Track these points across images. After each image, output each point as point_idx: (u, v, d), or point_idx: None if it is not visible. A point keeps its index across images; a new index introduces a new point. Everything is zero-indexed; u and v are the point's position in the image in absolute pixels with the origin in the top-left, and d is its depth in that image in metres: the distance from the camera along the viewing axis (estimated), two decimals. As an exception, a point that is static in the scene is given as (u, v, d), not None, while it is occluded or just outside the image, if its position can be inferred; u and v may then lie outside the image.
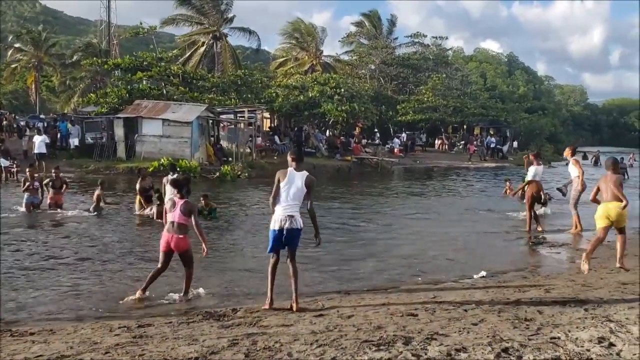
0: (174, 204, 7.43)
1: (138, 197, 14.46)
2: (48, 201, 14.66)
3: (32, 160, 23.49)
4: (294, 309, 6.56)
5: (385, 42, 54.70)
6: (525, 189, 13.56)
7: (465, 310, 6.19)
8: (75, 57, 47.59)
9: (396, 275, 9.19)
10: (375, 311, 6.33)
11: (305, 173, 6.66)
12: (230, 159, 27.21)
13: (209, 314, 6.34)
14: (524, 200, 13.93)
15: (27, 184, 14.38)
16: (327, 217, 15.50)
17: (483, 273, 8.98)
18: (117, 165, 24.63)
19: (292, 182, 6.57)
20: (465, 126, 53.90)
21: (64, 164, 23.97)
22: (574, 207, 12.88)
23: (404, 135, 47.10)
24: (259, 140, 32.06)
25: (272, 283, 6.73)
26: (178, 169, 16.29)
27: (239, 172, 24.88)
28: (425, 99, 48.73)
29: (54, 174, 14.94)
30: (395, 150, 41.56)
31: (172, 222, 7.33)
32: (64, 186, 15.09)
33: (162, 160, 23.70)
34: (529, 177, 13.30)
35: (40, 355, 4.68)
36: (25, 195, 14.35)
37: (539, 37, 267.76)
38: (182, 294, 7.43)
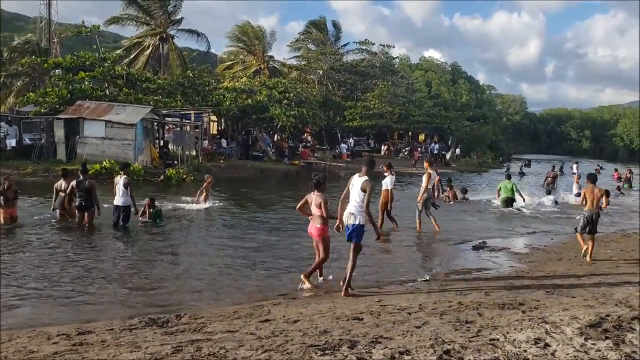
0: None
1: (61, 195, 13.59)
2: (2, 216, 12.71)
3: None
4: (342, 293, 7.80)
5: (333, 49, 55.13)
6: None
7: (409, 314, 6.31)
8: (12, 55, 45.62)
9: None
10: (321, 315, 6.37)
11: (364, 178, 7.90)
12: (175, 162, 26.75)
13: (152, 320, 6.21)
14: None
15: None
16: (269, 218, 15.49)
17: (426, 277, 9.17)
18: (56, 167, 23.72)
19: (355, 185, 7.89)
20: (410, 133, 54.96)
21: (-1, 166, 23.06)
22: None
23: (351, 140, 47.54)
24: (206, 143, 31.65)
25: (349, 272, 7.87)
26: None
27: (185, 176, 24.49)
28: (372, 105, 49.38)
29: (5, 184, 12.82)
30: (343, 155, 41.91)
31: None
32: (16, 196, 13.09)
33: (105, 162, 23.08)
34: (383, 187, 14.39)
35: (-28, 366, 4.48)
36: None
37: (479, 48, 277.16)
38: None
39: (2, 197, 12.67)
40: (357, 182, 7.92)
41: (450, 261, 11.09)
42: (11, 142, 26.79)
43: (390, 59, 61.18)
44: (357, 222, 7.79)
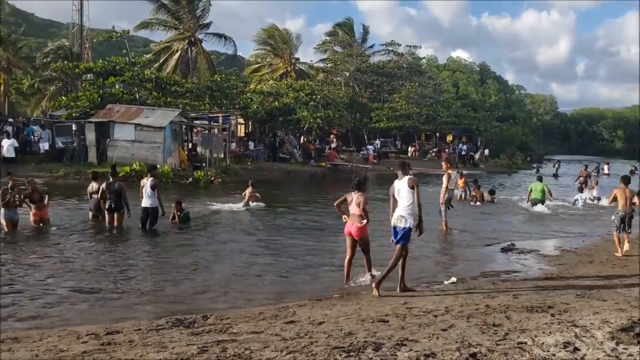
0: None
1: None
2: (32, 218, 12.83)
3: (3, 165, 23.14)
4: (398, 290, 8.07)
5: (360, 50, 55.06)
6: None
7: (435, 316, 6.25)
8: (45, 60, 46.77)
9: (367, 282, 9.22)
10: (347, 317, 6.35)
11: (406, 177, 8.04)
12: (203, 164, 27.03)
13: (179, 321, 6.28)
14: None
15: (7, 197, 12.23)
16: (297, 221, 15.53)
17: (453, 279, 9.07)
18: (87, 170, 24.19)
19: (401, 188, 8.02)
20: (437, 134, 54.53)
21: (32, 169, 23.66)
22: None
23: (378, 142, 47.41)
24: (233, 145, 31.92)
25: (401, 270, 8.08)
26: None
27: (212, 178, 24.73)
28: (399, 106, 49.15)
29: (29, 187, 13.01)
30: (369, 156, 41.80)
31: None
32: (45, 197, 13.17)
33: (134, 165, 23.44)
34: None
35: (4, 364, 4.59)
36: (3, 210, 12.32)
37: (508, 47, 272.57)
38: None
39: (28, 200, 12.77)
40: (401, 185, 8.03)
41: (478, 263, 10.95)
42: (44, 146, 27.47)
43: (417, 60, 60.81)
44: (406, 225, 7.89)
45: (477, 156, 49.25)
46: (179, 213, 14.16)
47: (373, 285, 8.05)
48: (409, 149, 49.80)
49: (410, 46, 58.53)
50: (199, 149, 29.80)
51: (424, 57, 71.55)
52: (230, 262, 10.45)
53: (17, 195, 12.33)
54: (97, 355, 4.79)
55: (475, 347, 4.75)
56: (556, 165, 48.06)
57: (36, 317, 7.02)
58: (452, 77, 74.03)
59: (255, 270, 9.88)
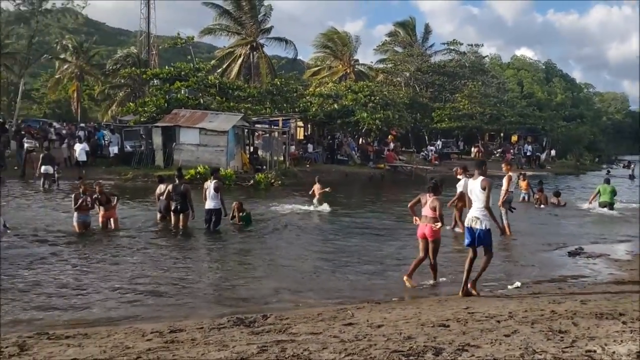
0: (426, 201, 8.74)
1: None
2: (100, 219, 13.25)
3: (74, 168, 24.35)
4: (473, 292, 8.01)
5: (421, 50, 54.44)
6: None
7: (498, 322, 6.08)
8: (115, 67, 48.79)
9: (428, 284, 9.11)
10: (406, 321, 6.27)
11: (480, 178, 7.90)
12: (264, 167, 27.45)
13: (240, 320, 6.39)
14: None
15: (80, 200, 12.62)
16: (355, 223, 15.49)
17: (517, 283, 8.81)
18: (155, 172, 25.07)
19: (474, 189, 7.95)
20: (502, 134, 53.13)
21: (103, 172, 24.73)
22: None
23: (439, 142, 46.68)
24: (293, 148, 32.26)
25: (466, 273, 7.99)
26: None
27: (273, 180, 25.07)
28: (461, 106, 48.25)
29: (96, 190, 13.27)
30: (430, 157, 41.20)
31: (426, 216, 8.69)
32: (114, 199, 13.54)
33: (199, 168, 24.06)
34: (458, 190, 13.96)
35: (75, 359, 4.80)
36: (75, 214, 12.74)
37: (575, 44, 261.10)
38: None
39: (97, 202, 13.05)
40: (475, 186, 7.96)
41: (544, 267, 10.59)
42: (114, 149, 28.70)
43: (480, 59, 59.46)
44: (483, 227, 7.83)
45: (543, 157, 47.65)
46: (240, 214, 14.43)
47: (468, 286, 8.06)
48: (472, 149, 48.76)
49: (472, 45, 57.41)
50: (260, 152, 30.27)
51: (487, 56, 69.86)
52: (289, 263, 10.57)
53: (88, 199, 12.75)
54: (161, 353, 4.94)
55: (540, 354, 4.59)
56: (633, 166, 45.76)
57: (103, 314, 7.33)
58: (517, 76, 71.95)
59: (313, 272, 9.94)
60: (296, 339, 5.40)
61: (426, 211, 8.68)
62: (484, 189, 7.78)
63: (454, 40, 56.10)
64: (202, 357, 4.80)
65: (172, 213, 13.67)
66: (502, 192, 13.99)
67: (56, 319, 7.05)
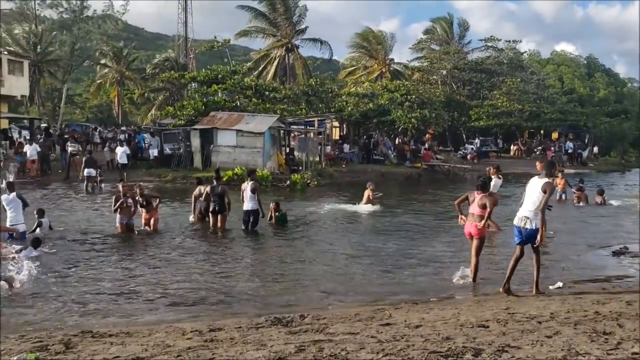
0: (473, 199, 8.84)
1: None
2: (142, 221, 13.42)
3: (115, 171, 24.97)
4: (533, 292, 8.00)
5: (457, 47, 53.75)
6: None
7: (539, 323, 5.96)
8: (153, 71, 49.84)
9: (466, 284, 9.00)
10: (444, 322, 6.21)
11: (545, 180, 7.78)
12: (300, 167, 27.56)
13: (277, 320, 6.44)
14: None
15: (120, 201, 12.84)
16: (392, 223, 15.41)
17: (559, 284, 8.62)
18: (193, 174, 25.50)
19: (534, 187, 7.82)
20: (542, 131, 52.02)
21: (143, 174, 25.27)
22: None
23: (477, 141, 46.02)
24: (328, 149, 32.29)
25: (510, 271, 7.99)
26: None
27: (309, 181, 25.15)
28: (500, 103, 47.44)
29: (137, 192, 13.47)
30: (468, 156, 40.63)
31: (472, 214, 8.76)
32: (155, 201, 13.65)
33: (236, 169, 24.33)
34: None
35: (118, 357, 4.92)
36: (118, 216, 12.99)
37: (617, 38, 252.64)
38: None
39: (138, 204, 13.24)
40: (536, 184, 7.83)
41: (586, 267, 10.33)
42: (154, 152, 29.31)
43: (519, 55, 58.25)
44: (532, 226, 7.77)
45: (585, 154, 46.41)
46: (276, 214, 14.51)
47: (534, 288, 8.09)
48: (511, 147, 47.88)
49: (510, 41, 56.32)
50: (296, 153, 30.42)
51: (526, 52, 68.42)
52: (327, 263, 10.59)
53: (129, 200, 12.89)
54: (201, 352, 5.02)
55: (584, 356, 4.49)
56: None
57: (144, 314, 7.49)
58: (557, 72, 70.24)
59: (350, 271, 9.94)
60: (333, 339, 5.41)
61: (474, 209, 8.72)
62: (544, 191, 7.66)
63: (491, 36, 55.22)
64: (241, 356, 4.85)
65: (210, 214, 13.87)
66: None
67: (99, 318, 7.24)
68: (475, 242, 8.73)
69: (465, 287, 8.78)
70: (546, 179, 7.79)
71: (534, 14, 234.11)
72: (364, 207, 17.65)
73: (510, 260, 8.14)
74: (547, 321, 6.02)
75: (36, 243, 10.76)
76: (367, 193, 18.05)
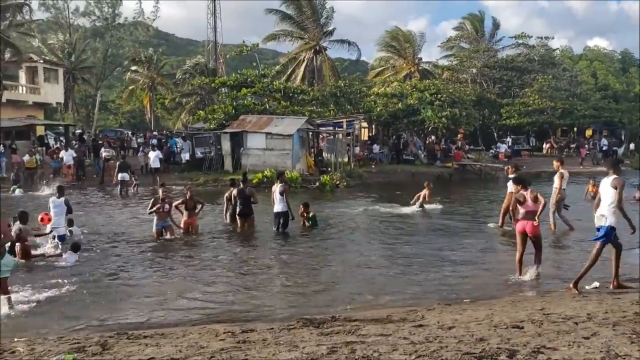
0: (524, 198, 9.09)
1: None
2: (182, 224, 13.49)
3: (149, 175, 25.39)
4: (612, 286, 8.22)
5: (488, 45, 53.04)
6: None
7: (576, 323, 5.84)
8: (184, 77, 50.50)
9: (499, 285, 8.89)
10: (478, 323, 6.13)
11: (613, 177, 7.96)
12: (329, 169, 27.58)
13: (309, 321, 6.45)
14: None
15: (157, 205, 12.86)
16: (425, 224, 15.28)
17: (596, 284, 8.42)
18: (224, 177, 25.75)
19: (605, 186, 8.06)
20: (575, 129, 50.96)
21: (175, 178, 25.65)
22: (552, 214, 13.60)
23: (509, 139, 45.31)
24: (357, 149, 32.21)
25: (615, 268, 8.23)
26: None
27: (338, 182, 25.13)
28: (531, 101, 46.61)
29: (187, 194, 13.79)
30: (500, 155, 40.05)
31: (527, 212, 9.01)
32: (199, 207, 13.83)
33: (266, 172, 24.47)
34: (508, 189, 13.85)
35: (153, 358, 5.00)
36: (155, 220, 13.06)
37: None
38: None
39: (184, 206, 13.43)
40: (606, 183, 8.06)
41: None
42: (185, 156, 29.76)
43: (550, 52, 57.14)
44: (607, 224, 7.93)
45: (621, 151, 45.21)
46: (306, 214, 14.51)
47: (570, 285, 8.20)
48: (544, 145, 47.02)
49: (541, 38, 55.31)
50: (324, 154, 30.44)
51: (558, 48, 67.13)
52: (358, 265, 10.55)
53: (166, 206, 12.92)
54: (234, 353, 5.07)
55: (623, 358, 4.39)
56: None
57: (179, 315, 7.60)
58: (590, 68, 68.74)
59: (382, 273, 9.89)
60: (366, 340, 5.40)
61: (531, 206, 9.00)
62: (614, 187, 7.86)
63: (522, 33, 54.25)
64: (273, 357, 4.88)
65: (237, 216, 13.97)
66: (555, 190, 13.63)
67: (135, 320, 7.36)
68: (533, 242, 9.06)
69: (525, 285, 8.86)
70: (614, 176, 7.97)
71: (565, 9, 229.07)
72: (420, 207, 17.45)
73: (597, 258, 8.21)
74: (584, 322, 5.90)
75: (76, 247, 11.07)
76: (424, 192, 17.76)
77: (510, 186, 13.64)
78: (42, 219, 12.14)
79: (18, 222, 11.00)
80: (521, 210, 9.10)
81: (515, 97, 49.32)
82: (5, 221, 9.33)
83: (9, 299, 7.84)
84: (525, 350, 4.77)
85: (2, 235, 7.41)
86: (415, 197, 17.83)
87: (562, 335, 5.34)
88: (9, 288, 8.02)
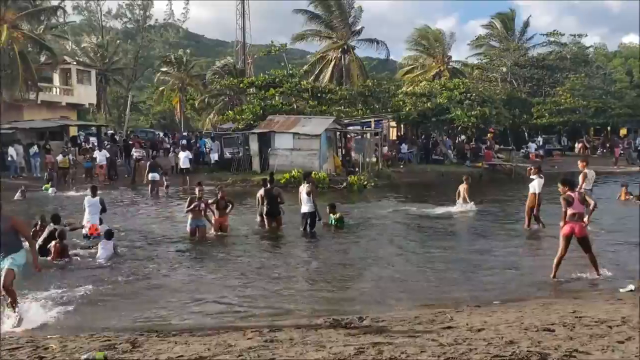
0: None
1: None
2: (213, 223, 13.46)
3: (179, 175, 25.71)
4: None
5: (518, 44, 52.26)
6: None
7: (610, 327, 5.71)
8: (213, 77, 50.96)
9: (530, 287, 8.75)
10: (508, 325, 6.04)
11: None
12: (357, 169, 27.51)
13: (336, 321, 6.44)
14: None
15: (194, 204, 12.88)
16: (453, 225, 15.13)
17: (630, 286, 8.22)
18: (252, 177, 25.92)
19: None
20: (609, 128, 49.85)
21: (204, 178, 25.87)
22: None
23: (540, 139, 44.58)
24: (386, 149, 32.06)
25: None
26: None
27: (366, 182, 25.03)
28: (563, 100, 45.75)
29: (219, 193, 13.91)
30: (531, 155, 39.42)
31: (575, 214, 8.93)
32: (230, 206, 13.88)
33: (293, 172, 24.52)
34: (530, 190, 13.80)
35: (181, 356, 5.06)
36: (189, 218, 13.06)
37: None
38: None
39: (214, 206, 13.44)
40: None
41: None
42: (214, 156, 30.04)
43: (583, 49, 56.03)
44: None
45: (657, 150, 44.02)
46: (332, 215, 14.47)
47: None
48: (576, 145, 46.10)
49: (574, 35, 54.24)
50: (352, 154, 30.37)
51: (591, 46, 65.74)
52: (385, 265, 10.50)
53: (202, 205, 13.01)
54: (261, 352, 5.09)
55: (659, 364, 4.26)
56: None
57: (209, 314, 7.66)
58: (625, 65, 67.15)
59: (410, 274, 9.83)
60: (393, 342, 5.37)
61: (577, 208, 8.92)
62: None
63: (554, 31, 53.27)
64: (300, 356, 4.89)
65: (264, 216, 14.05)
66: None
67: (165, 319, 7.44)
68: (582, 242, 8.98)
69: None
70: None
71: (598, 5, 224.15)
72: (459, 208, 17.18)
73: None
74: (618, 326, 5.76)
75: (109, 234, 11.36)
76: (464, 186, 17.42)
77: (532, 187, 13.75)
78: (90, 231, 12.36)
79: (51, 224, 11.31)
80: (569, 212, 8.95)
81: (547, 95, 48.50)
82: (25, 222, 9.52)
83: (13, 304, 7.08)
84: (557, 354, 4.69)
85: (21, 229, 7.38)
86: (457, 193, 17.58)
87: (595, 339, 5.23)
88: (17, 293, 7.20)
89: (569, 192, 9.07)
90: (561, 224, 9.12)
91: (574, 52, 52.73)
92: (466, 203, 17.31)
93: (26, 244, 7.48)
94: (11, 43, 30.59)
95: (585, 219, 9.03)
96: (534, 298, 8.05)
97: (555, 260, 9.03)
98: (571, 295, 8.20)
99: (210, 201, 13.62)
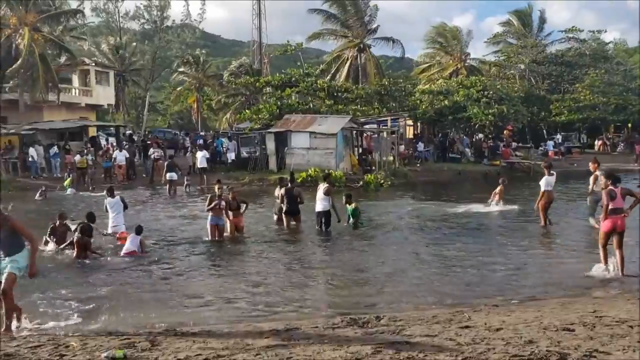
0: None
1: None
2: (228, 223, 13.36)
3: (196, 175, 25.88)
4: None
5: (536, 40, 51.72)
6: None
7: (631, 327, 5.64)
8: (230, 77, 51.18)
9: (549, 287, 8.67)
10: (527, 325, 6.00)
11: None
12: (373, 167, 27.46)
13: (353, 320, 6.44)
14: None
15: (214, 202, 12.86)
16: (471, 223, 15.03)
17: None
18: (269, 176, 26.01)
19: None
20: (629, 125, 49.13)
21: (221, 177, 25.97)
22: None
23: (559, 136, 44.09)
24: (402, 148, 31.96)
25: None
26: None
27: (382, 181, 24.98)
28: (582, 97, 45.20)
29: (230, 195, 13.65)
30: (550, 153, 39.02)
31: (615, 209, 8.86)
32: (243, 206, 13.84)
33: (310, 171, 24.54)
34: (542, 188, 13.78)
35: (200, 354, 5.11)
36: (210, 215, 13.05)
37: None
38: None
39: (227, 207, 13.24)
40: None
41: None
42: (231, 156, 30.22)
43: (603, 45, 55.24)
44: None
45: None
46: (348, 206, 14.37)
47: None
48: (596, 142, 45.51)
49: (593, 31, 53.53)
50: (372, 153, 30.30)
51: (611, 42, 64.83)
52: (403, 264, 10.48)
53: (222, 203, 12.95)
54: (279, 350, 5.12)
55: (682, 364, 4.20)
56: None
57: (225, 314, 7.71)
58: (647, 60, 66.11)
59: (428, 273, 9.79)
60: (410, 341, 5.36)
61: (618, 203, 8.86)
62: None
63: (572, 27, 52.64)
64: (318, 355, 4.91)
65: (283, 215, 14.09)
66: (589, 191, 13.44)
67: (184, 318, 7.49)
68: (619, 235, 8.88)
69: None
70: None
71: (617, 2, 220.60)
72: (495, 207, 17.13)
73: None
74: (639, 326, 5.68)
75: (138, 230, 11.61)
76: (499, 189, 17.36)
77: (543, 185, 13.76)
78: (119, 239, 12.47)
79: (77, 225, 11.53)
80: (610, 206, 8.86)
81: (566, 92, 47.97)
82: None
83: (16, 313, 6.78)
84: (577, 353, 4.64)
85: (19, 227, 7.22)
86: (492, 194, 17.45)
87: (616, 339, 5.17)
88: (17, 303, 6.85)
89: (611, 187, 8.96)
90: (601, 217, 9.06)
91: (593, 48, 52.03)
92: (499, 204, 17.25)
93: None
94: (32, 45, 31.01)
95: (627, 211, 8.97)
96: (553, 297, 7.98)
97: (602, 255, 9.09)
98: (591, 295, 8.11)
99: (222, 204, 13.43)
